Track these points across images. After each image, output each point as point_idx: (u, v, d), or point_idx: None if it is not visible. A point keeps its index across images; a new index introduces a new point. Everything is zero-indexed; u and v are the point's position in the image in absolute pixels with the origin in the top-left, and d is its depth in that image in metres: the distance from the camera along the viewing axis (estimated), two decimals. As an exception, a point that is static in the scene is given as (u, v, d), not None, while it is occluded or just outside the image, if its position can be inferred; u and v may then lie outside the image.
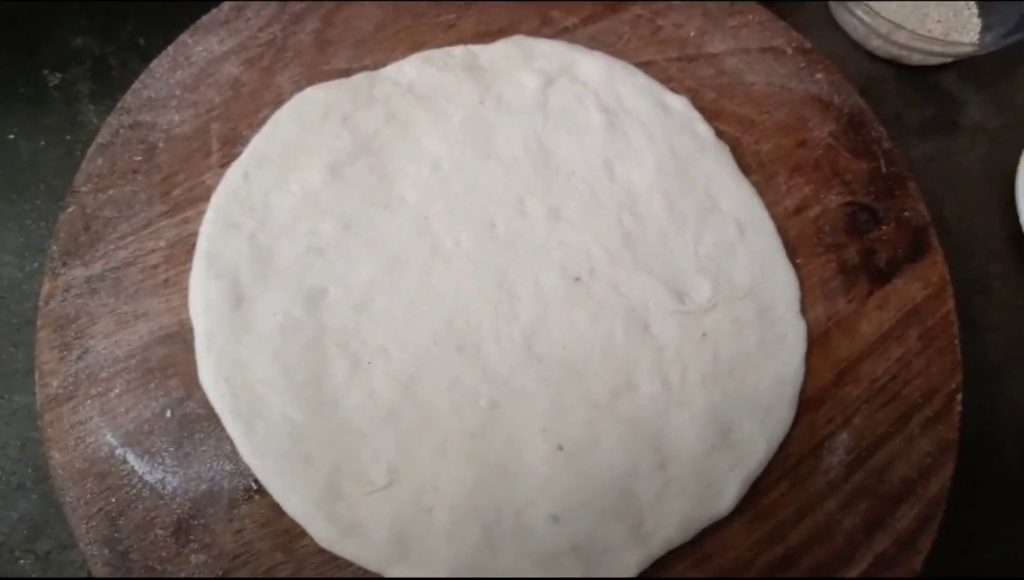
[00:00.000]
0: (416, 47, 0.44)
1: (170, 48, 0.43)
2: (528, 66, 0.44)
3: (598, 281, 0.39)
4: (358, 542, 0.35)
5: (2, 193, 0.45)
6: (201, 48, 0.43)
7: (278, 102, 0.42)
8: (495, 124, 0.42)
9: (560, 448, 0.37)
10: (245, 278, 0.38)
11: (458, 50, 0.44)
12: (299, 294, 0.38)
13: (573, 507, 0.36)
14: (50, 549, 0.40)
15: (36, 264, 0.44)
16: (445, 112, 0.42)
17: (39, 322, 0.37)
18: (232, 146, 0.41)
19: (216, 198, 0.40)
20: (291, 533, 0.35)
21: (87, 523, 0.35)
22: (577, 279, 0.39)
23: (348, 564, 0.35)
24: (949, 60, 0.54)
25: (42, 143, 0.46)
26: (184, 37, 0.43)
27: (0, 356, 0.42)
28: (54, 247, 0.39)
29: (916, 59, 0.54)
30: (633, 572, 0.35)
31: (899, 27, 0.51)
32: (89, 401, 0.37)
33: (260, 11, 0.44)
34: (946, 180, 0.52)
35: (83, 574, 0.40)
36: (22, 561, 0.40)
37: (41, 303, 0.38)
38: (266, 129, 0.41)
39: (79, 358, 0.37)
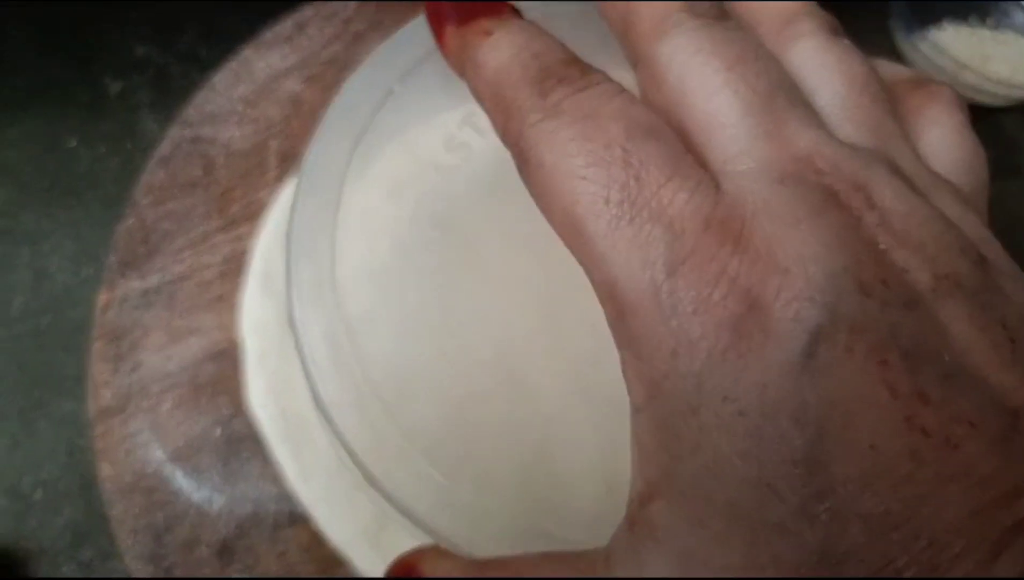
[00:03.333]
0: (476, 71, 0.44)
1: (233, 63, 0.43)
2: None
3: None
4: (400, 571, 0.34)
5: (60, 200, 0.45)
6: (263, 64, 0.43)
7: (337, 121, 0.42)
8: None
9: (609, 490, 0.36)
10: (299, 299, 0.38)
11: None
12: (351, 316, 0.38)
13: (619, 548, 0.35)
14: (92, 558, 0.40)
15: (91, 271, 0.44)
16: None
17: (94, 333, 0.38)
18: (290, 163, 0.41)
19: (272, 215, 0.40)
20: (333, 560, 0.35)
21: (133, 537, 0.35)
22: (631, 315, 0.39)
23: (389, 593, 0.35)
24: (1015, 103, 0.53)
25: (101, 151, 0.46)
26: (247, 52, 0.43)
27: (52, 362, 0.43)
28: (112, 258, 0.39)
29: (980, 100, 0.53)
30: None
31: (965, 67, 0.50)
32: (140, 415, 0.37)
33: (322, 28, 0.44)
34: (1005, 225, 0.51)
35: (123, 583, 0.40)
36: (64, 568, 0.40)
37: (97, 314, 0.38)
38: (325, 148, 0.41)
39: (131, 371, 0.37)
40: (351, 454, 0.31)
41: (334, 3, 0.45)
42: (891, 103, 0.19)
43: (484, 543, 0.35)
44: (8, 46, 0.49)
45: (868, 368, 0.13)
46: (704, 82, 0.17)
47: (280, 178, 0.41)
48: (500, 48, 0.18)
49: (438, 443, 0.37)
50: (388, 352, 0.38)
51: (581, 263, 0.17)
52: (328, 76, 0.43)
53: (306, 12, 0.44)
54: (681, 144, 0.16)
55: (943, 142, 0.20)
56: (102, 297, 0.38)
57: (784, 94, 0.17)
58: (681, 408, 0.15)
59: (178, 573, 0.35)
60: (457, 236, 0.41)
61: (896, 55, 0.55)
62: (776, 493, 0.13)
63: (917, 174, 0.18)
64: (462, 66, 0.19)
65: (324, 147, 0.30)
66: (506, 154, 0.21)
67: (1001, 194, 0.53)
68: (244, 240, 0.40)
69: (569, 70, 0.17)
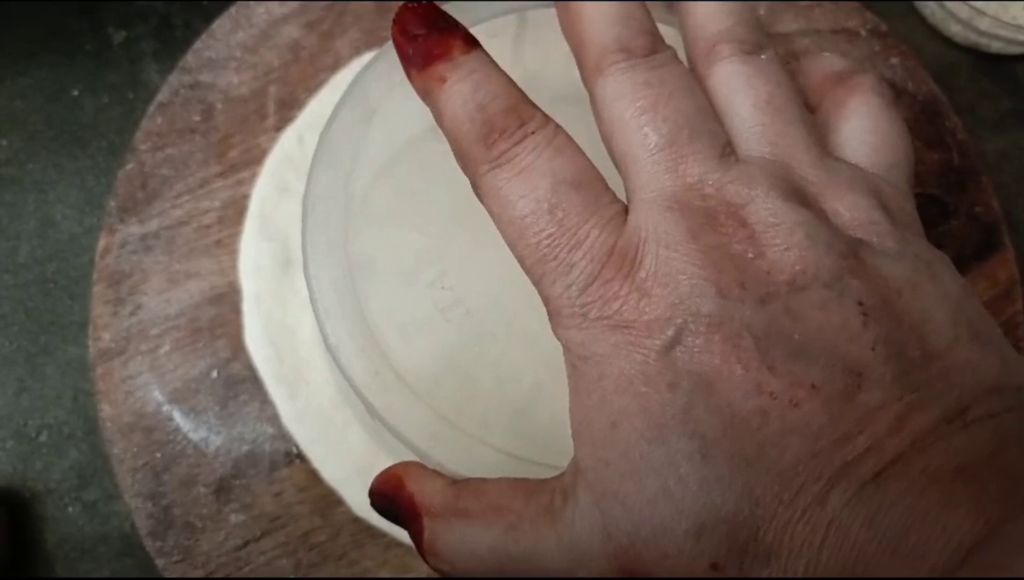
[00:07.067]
0: (477, 16, 0.43)
1: (232, 9, 0.43)
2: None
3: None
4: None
5: (65, 149, 0.46)
6: (263, 10, 0.43)
7: (336, 67, 0.42)
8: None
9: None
10: (296, 242, 0.38)
11: (512, 18, 0.43)
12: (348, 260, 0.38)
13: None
14: (97, 499, 0.41)
15: (95, 219, 0.44)
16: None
17: (95, 276, 0.38)
18: (289, 109, 0.41)
19: (270, 161, 0.40)
20: (329, 499, 0.35)
21: (132, 476, 0.36)
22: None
23: (383, 533, 0.35)
24: (1032, 50, 0.51)
25: (105, 100, 0.47)
26: (246, -2, 0.43)
27: (57, 308, 0.43)
28: (112, 203, 0.39)
29: (995, 47, 0.51)
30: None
31: (980, 13, 0.49)
32: (139, 357, 0.37)
33: (322, -26, 0.44)
34: (1020, 177, 0.50)
35: (127, 524, 0.40)
36: (70, 509, 0.41)
37: (97, 258, 0.38)
38: (323, 93, 0.41)
39: (131, 314, 0.38)
40: (354, 389, 0.31)
41: (334, -50, 0.44)
42: (798, 110, 0.22)
43: (481, 473, 0.36)
44: (13, -3, 0.49)
45: (724, 350, 0.18)
46: (624, 124, 0.21)
47: (279, 125, 0.41)
48: (452, 98, 0.21)
49: (438, 382, 0.37)
50: (390, 298, 0.38)
51: (530, 280, 0.21)
52: (327, 22, 0.43)
53: (306, -42, 0.44)
54: (601, 185, 0.20)
55: (858, 131, 0.24)
56: (102, 242, 0.39)
57: (688, 130, 0.20)
58: (591, 379, 0.19)
59: (176, 511, 0.35)
60: (457, 187, 0.40)
61: (909, 4, 0.54)
62: (661, 438, 0.18)
63: (811, 176, 0.21)
64: (429, 106, 0.22)
65: (337, 124, 0.31)
66: None
67: (1017, 146, 0.52)
68: (243, 185, 0.40)
69: (508, 120, 0.20)
